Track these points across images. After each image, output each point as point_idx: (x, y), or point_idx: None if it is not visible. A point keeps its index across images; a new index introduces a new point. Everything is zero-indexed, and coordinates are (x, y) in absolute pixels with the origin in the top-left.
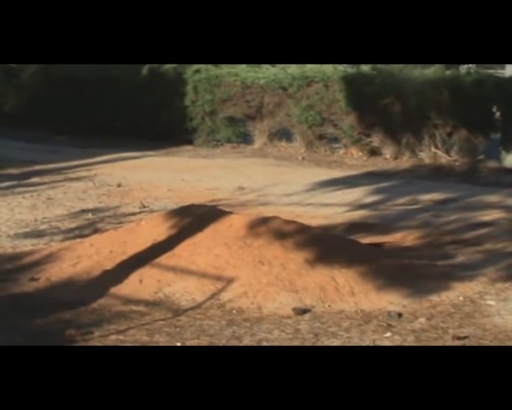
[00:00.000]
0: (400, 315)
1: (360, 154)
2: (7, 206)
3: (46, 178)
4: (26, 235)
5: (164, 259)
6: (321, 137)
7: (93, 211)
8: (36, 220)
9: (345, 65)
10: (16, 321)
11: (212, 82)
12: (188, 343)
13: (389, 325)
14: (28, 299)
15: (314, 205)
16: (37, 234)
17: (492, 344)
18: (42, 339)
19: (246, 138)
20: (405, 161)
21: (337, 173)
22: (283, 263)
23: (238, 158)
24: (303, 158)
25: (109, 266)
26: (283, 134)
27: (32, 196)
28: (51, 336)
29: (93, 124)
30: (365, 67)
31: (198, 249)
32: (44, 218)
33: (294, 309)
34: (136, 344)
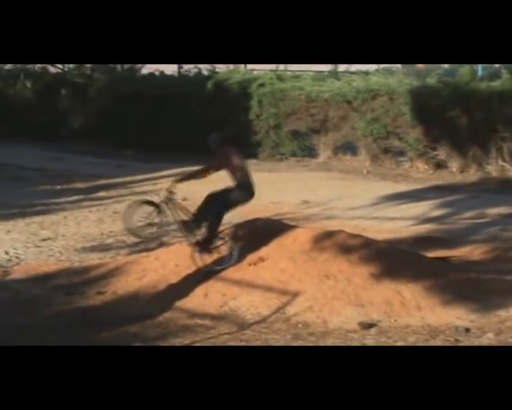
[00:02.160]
0: (468, 330)
1: (426, 167)
2: (74, 220)
3: (112, 193)
4: (93, 248)
5: (229, 272)
6: (386, 150)
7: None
8: (102, 234)
9: (410, 78)
10: (83, 334)
11: (276, 96)
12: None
13: (456, 340)
14: (95, 312)
15: (379, 219)
16: (104, 248)
17: None
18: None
19: (310, 152)
20: (472, 175)
21: (402, 187)
22: (349, 277)
23: (303, 172)
24: (368, 171)
25: (175, 279)
26: (348, 147)
27: (98, 209)
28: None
29: (158, 138)
30: (431, 80)
31: (263, 263)
32: (111, 232)
33: (360, 323)
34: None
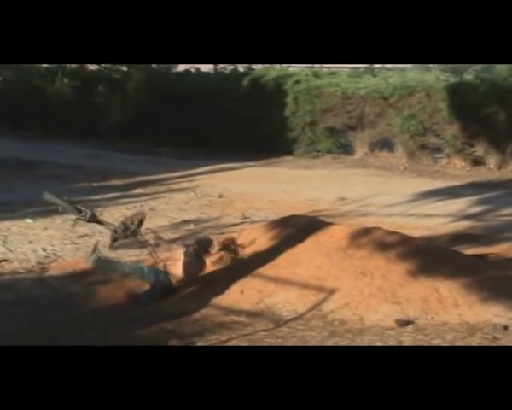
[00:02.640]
0: (506, 328)
1: (463, 164)
2: (110, 216)
3: (149, 190)
4: (129, 245)
5: (265, 269)
6: (423, 146)
7: (195, 222)
8: None
9: (447, 74)
10: (120, 332)
11: (312, 93)
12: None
13: (495, 337)
14: (131, 309)
15: (416, 216)
16: (140, 244)
17: None
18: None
19: (346, 149)
20: (510, 171)
21: (440, 184)
22: (385, 274)
23: (339, 168)
24: (405, 168)
25: (211, 276)
26: (384, 144)
27: (135, 206)
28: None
29: (194, 135)
30: (468, 76)
31: (299, 260)
32: (147, 228)
33: (397, 321)
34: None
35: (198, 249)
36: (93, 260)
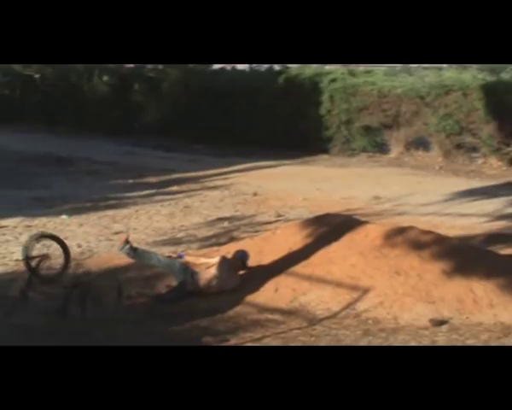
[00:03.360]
0: None
1: (500, 163)
2: (145, 214)
3: (184, 187)
4: (164, 242)
5: (299, 268)
6: (459, 146)
7: (229, 219)
8: (173, 228)
9: (484, 73)
10: (155, 328)
11: (348, 91)
12: None
13: None
14: (166, 306)
15: (452, 215)
16: (175, 242)
17: None
18: (179, 346)
19: (382, 147)
20: None
21: (475, 183)
22: (420, 274)
23: (374, 167)
24: (440, 167)
25: (245, 274)
26: (420, 143)
27: (169, 204)
28: (188, 342)
29: (230, 133)
30: (506, 76)
31: (333, 259)
32: (182, 226)
33: (431, 320)
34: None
35: (234, 262)
36: (125, 251)
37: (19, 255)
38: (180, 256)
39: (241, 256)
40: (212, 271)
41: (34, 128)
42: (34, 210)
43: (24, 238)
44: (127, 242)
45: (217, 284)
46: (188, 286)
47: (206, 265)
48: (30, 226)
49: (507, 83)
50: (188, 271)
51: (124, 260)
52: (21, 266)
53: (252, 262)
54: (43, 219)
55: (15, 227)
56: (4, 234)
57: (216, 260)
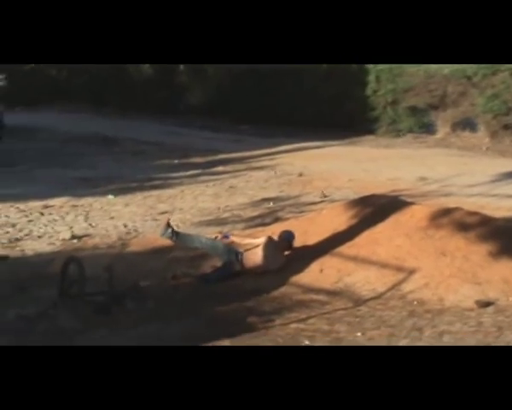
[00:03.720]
0: None
1: None
2: (191, 194)
3: (229, 167)
4: (209, 223)
5: (344, 248)
6: (506, 126)
7: (274, 200)
8: (218, 208)
9: None
10: (200, 308)
11: (394, 72)
12: (368, 334)
13: None
14: (211, 286)
15: (498, 196)
16: (220, 222)
17: None
18: (224, 326)
19: (428, 128)
20: None
21: None
22: (466, 255)
23: (420, 148)
24: (487, 148)
25: (290, 254)
26: (467, 124)
27: (214, 184)
28: (233, 323)
29: (275, 114)
30: None
31: (379, 240)
32: (227, 206)
33: (477, 302)
34: (317, 333)
35: (280, 243)
36: (167, 235)
37: (65, 235)
38: (226, 236)
39: (287, 237)
40: (258, 251)
41: (80, 108)
42: (80, 190)
43: (70, 218)
44: (168, 225)
45: (262, 265)
46: (233, 266)
47: (252, 245)
48: (76, 206)
49: None
50: (232, 251)
51: (168, 240)
52: (67, 246)
53: (297, 243)
54: (89, 199)
55: (62, 207)
56: (51, 213)
57: (262, 240)
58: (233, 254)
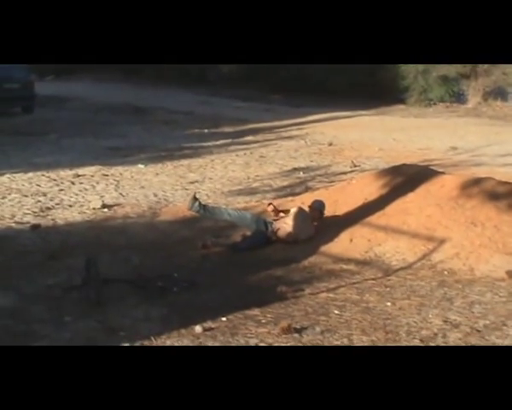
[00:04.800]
0: None
1: None
2: (221, 163)
3: (259, 137)
4: (239, 192)
5: (374, 218)
6: None
7: (304, 169)
8: (248, 178)
9: None
10: (230, 277)
11: None
12: (398, 303)
13: None
14: (241, 255)
15: None
16: (250, 191)
17: None
18: (254, 295)
19: (459, 97)
20: None
21: None
22: (497, 225)
23: (451, 117)
24: None
25: (320, 224)
26: (498, 93)
27: (245, 153)
28: (263, 292)
29: (306, 83)
30: None
31: (409, 209)
32: (257, 176)
33: (508, 272)
34: (347, 303)
35: (310, 213)
36: (194, 209)
37: (96, 204)
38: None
39: (318, 206)
40: (288, 220)
41: (113, 78)
42: (111, 159)
43: (101, 187)
44: (195, 199)
45: (292, 234)
46: (263, 235)
47: (283, 214)
48: (107, 175)
49: None
50: (260, 220)
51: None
52: (98, 215)
53: (327, 212)
54: (120, 168)
55: (92, 176)
56: (82, 182)
57: (292, 210)
58: (261, 223)
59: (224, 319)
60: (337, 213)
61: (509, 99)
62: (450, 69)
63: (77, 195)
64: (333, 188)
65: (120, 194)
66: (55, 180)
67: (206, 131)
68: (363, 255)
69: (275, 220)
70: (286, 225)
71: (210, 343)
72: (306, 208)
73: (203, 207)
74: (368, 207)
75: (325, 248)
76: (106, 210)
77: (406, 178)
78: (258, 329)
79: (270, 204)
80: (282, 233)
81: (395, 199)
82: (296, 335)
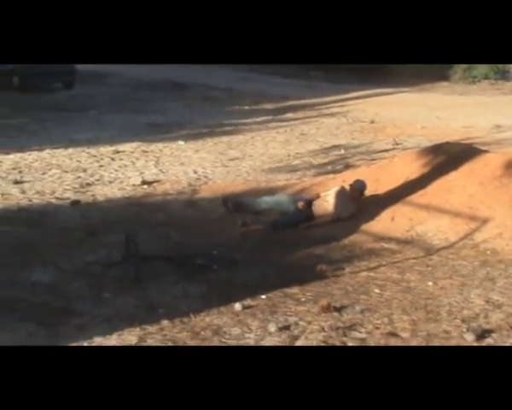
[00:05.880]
0: None
1: None
2: (261, 140)
3: (299, 114)
4: (280, 169)
5: (416, 197)
6: None
7: (345, 147)
8: (289, 155)
9: None
10: (270, 256)
11: None
12: (439, 283)
13: None
14: (281, 234)
15: None
16: (290, 169)
17: None
18: (294, 273)
19: (504, 75)
20: None
21: None
22: None
23: (495, 95)
24: None
25: (361, 202)
26: None
27: (285, 131)
28: (303, 270)
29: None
30: None
31: (452, 188)
32: (297, 153)
33: None
34: (387, 282)
35: (351, 192)
36: (231, 212)
37: (135, 180)
38: (304, 200)
39: (359, 186)
40: (329, 198)
41: None
42: (150, 135)
43: (140, 163)
44: (225, 204)
45: (333, 212)
46: (302, 213)
47: (324, 192)
48: (146, 152)
49: None
50: (297, 199)
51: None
52: (138, 191)
53: (368, 191)
54: (160, 145)
55: (132, 152)
56: (122, 159)
57: (333, 189)
58: (299, 201)
59: (263, 296)
60: (378, 192)
61: None
62: None
63: (117, 171)
64: (374, 166)
65: (160, 170)
66: (95, 156)
67: (246, 107)
68: (404, 234)
69: (316, 198)
70: (326, 204)
71: (249, 321)
72: (347, 187)
73: (236, 206)
74: (409, 185)
75: (366, 226)
76: (145, 187)
77: (449, 157)
78: (297, 307)
79: (302, 204)
80: (322, 211)
81: (437, 178)
82: (336, 313)
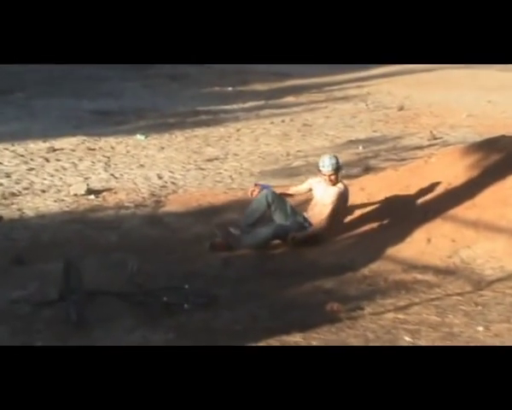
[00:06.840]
0: None
1: None
2: (250, 134)
3: (302, 98)
4: (275, 173)
5: (461, 210)
6: None
7: (365, 143)
8: (288, 154)
9: None
10: (261, 290)
11: None
12: (493, 328)
13: None
14: (277, 259)
15: None
16: (290, 172)
17: None
18: (295, 315)
19: None
20: None
21: None
22: None
23: None
24: None
25: (386, 218)
26: None
27: (282, 120)
28: (307, 310)
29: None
30: None
31: (509, 199)
32: (299, 151)
33: None
34: (422, 327)
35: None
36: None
37: (78, 189)
38: (265, 187)
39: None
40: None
41: None
42: (98, 128)
43: (85, 166)
44: (223, 231)
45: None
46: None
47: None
48: (93, 150)
49: None
50: (302, 219)
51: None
52: (81, 204)
53: (395, 201)
54: (111, 140)
55: (73, 150)
56: (59, 160)
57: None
58: (302, 221)
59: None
60: (409, 203)
61: None
62: None
63: (52, 176)
64: (404, 168)
65: (112, 175)
66: (22, 156)
67: (229, 89)
68: (444, 261)
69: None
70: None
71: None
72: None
73: (233, 231)
74: (452, 194)
75: (393, 250)
76: (92, 197)
77: (505, 156)
78: None
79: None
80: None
81: (490, 184)
82: None
